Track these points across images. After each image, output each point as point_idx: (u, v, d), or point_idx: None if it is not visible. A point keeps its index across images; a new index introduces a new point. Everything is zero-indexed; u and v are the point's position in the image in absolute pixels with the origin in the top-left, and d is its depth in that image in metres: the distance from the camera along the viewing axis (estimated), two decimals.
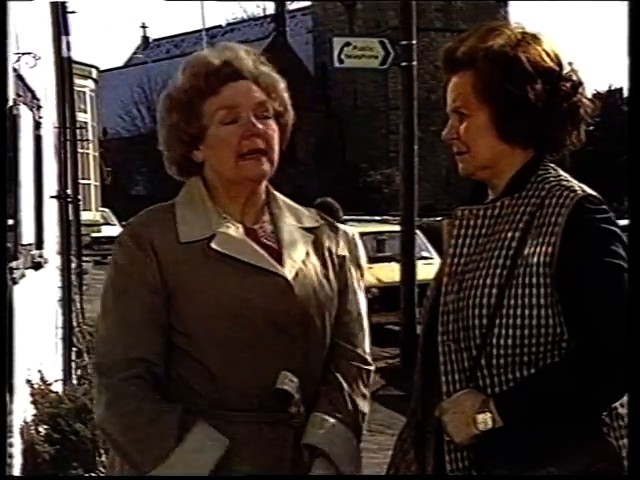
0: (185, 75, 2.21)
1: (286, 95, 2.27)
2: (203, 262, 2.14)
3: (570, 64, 2.17)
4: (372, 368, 2.33)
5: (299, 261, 2.22)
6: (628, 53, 2.01)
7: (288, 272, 2.18)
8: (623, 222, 2.11)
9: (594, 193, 2.11)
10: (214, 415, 2.10)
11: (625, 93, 38.40)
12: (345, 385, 2.25)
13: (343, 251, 2.34)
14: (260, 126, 2.17)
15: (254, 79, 2.21)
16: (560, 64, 2.15)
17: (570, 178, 2.16)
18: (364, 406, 2.28)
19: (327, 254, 2.30)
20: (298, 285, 2.17)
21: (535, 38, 2.16)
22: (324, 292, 2.24)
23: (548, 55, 2.14)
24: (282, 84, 2.26)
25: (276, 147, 2.21)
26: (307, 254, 2.25)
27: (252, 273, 2.15)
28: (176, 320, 2.13)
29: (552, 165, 2.20)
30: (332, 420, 2.20)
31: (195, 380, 2.12)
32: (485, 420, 2.03)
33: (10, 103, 4.48)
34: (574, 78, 2.16)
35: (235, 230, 2.20)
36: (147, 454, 2.05)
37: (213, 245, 2.15)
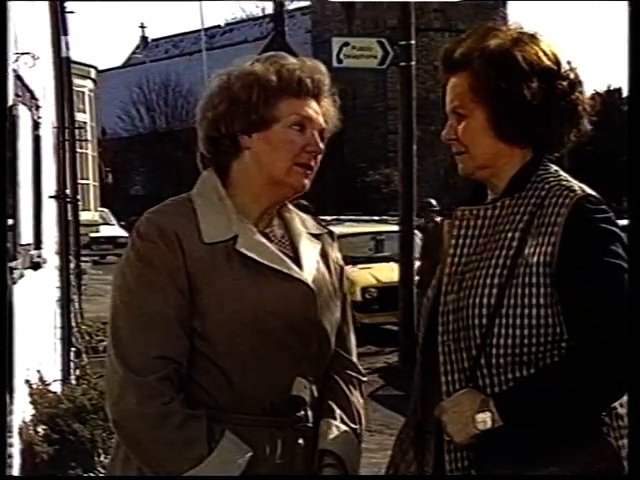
0: (273, 66, 2.18)
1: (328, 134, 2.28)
2: (226, 264, 2.12)
3: (569, 63, 2.17)
4: (365, 379, 2.38)
5: (314, 268, 2.23)
6: (628, 53, 2.01)
7: (308, 278, 2.19)
8: (622, 222, 2.11)
9: (594, 193, 2.11)
10: (226, 419, 2.10)
11: (624, 93, 38.42)
12: (349, 393, 2.29)
13: (340, 261, 2.36)
14: (322, 146, 2.20)
15: (322, 105, 2.23)
16: (558, 63, 2.14)
17: (570, 178, 2.16)
18: (362, 415, 2.32)
19: (331, 262, 2.31)
20: (316, 292, 2.19)
21: (532, 38, 2.16)
22: (332, 300, 2.26)
23: (545, 54, 2.13)
24: (335, 123, 2.27)
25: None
26: (318, 261, 2.26)
27: (275, 278, 2.14)
28: (197, 321, 2.11)
29: (552, 165, 2.20)
30: (345, 428, 2.24)
31: (210, 384, 2.11)
32: (485, 420, 2.03)
33: (9, 103, 4.47)
34: (572, 76, 2.15)
35: (254, 233, 2.18)
36: (173, 457, 2.04)
37: (239, 248, 2.13)
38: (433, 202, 12.36)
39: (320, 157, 2.22)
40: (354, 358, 2.36)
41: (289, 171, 2.17)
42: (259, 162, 2.18)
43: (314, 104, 2.21)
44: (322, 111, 2.23)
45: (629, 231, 1.97)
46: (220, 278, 2.11)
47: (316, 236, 2.31)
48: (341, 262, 2.36)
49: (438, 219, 12.00)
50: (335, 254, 2.35)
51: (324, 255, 2.30)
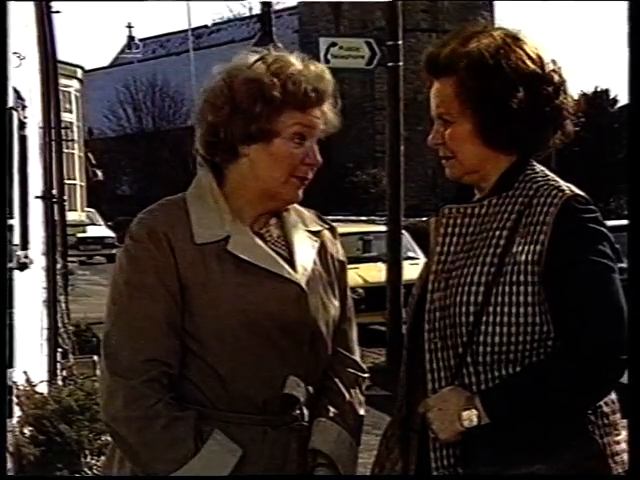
0: (279, 77, 2.14)
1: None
2: (218, 265, 2.11)
3: (553, 62, 2.17)
4: (367, 375, 2.36)
5: (309, 267, 2.22)
6: (628, 53, 2.00)
7: (302, 279, 2.18)
8: (610, 223, 2.11)
9: (582, 193, 2.12)
10: (220, 417, 2.10)
11: (611, 94, 38.60)
12: (346, 392, 2.28)
13: (341, 256, 2.35)
14: (319, 158, 2.18)
15: (323, 110, 2.20)
16: (542, 65, 2.14)
17: (557, 178, 2.17)
18: (362, 413, 2.31)
19: (330, 260, 2.30)
20: (310, 292, 2.18)
21: (516, 40, 2.16)
22: (329, 299, 2.25)
23: (529, 57, 2.13)
24: (336, 123, 2.24)
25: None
26: (314, 260, 2.25)
27: (268, 279, 2.14)
28: (188, 322, 2.11)
29: (539, 165, 2.20)
30: (338, 427, 2.23)
31: (203, 383, 2.11)
32: (470, 417, 2.03)
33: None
34: (556, 79, 2.15)
35: (247, 234, 2.17)
36: (159, 459, 2.04)
37: (230, 249, 2.13)
38: None
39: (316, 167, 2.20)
40: (355, 355, 2.34)
41: (285, 183, 2.16)
42: (256, 172, 2.16)
43: (317, 112, 2.18)
44: (324, 116, 2.20)
45: (629, 231, 1.97)
46: (211, 278, 2.11)
47: (315, 233, 2.30)
48: (342, 257, 2.34)
49: None
50: (336, 250, 2.33)
51: (323, 252, 2.28)
